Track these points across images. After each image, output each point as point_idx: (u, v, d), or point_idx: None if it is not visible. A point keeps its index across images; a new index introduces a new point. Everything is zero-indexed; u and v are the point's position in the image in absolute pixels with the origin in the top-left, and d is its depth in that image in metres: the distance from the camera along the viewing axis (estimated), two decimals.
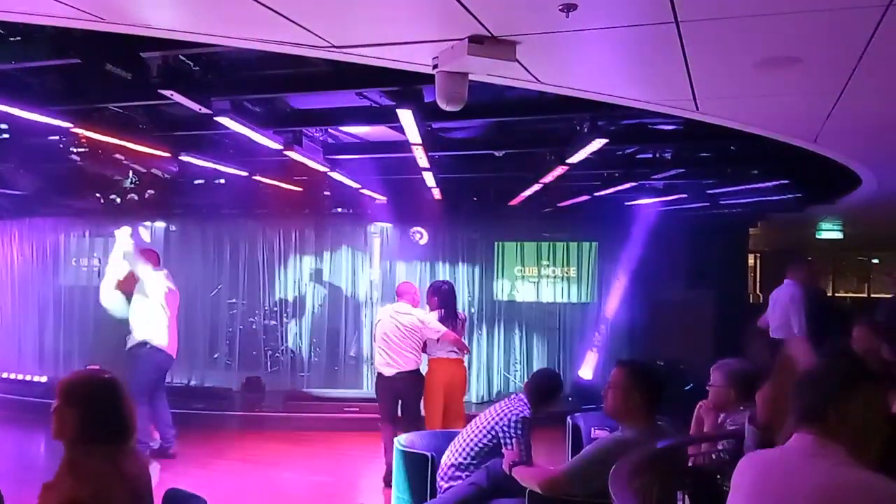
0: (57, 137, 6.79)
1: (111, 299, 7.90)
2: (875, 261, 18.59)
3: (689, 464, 3.89)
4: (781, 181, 8.29)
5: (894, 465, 2.18)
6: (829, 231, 13.50)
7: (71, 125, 5.96)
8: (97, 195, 9.38)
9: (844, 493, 2.08)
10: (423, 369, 7.31)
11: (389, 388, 7.16)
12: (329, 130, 7.37)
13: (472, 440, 4.91)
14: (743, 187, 8.77)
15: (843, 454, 2.14)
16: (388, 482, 6.72)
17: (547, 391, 5.04)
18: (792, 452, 2.25)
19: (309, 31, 3.37)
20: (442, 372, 7.33)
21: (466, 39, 3.25)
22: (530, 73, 3.93)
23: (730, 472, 2.45)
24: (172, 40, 3.83)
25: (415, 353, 7.15)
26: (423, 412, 7.32)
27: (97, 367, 3.32)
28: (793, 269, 8.38)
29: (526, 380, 5.37)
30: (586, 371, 10.58)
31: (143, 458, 3.10)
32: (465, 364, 7.91)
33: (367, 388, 10.33)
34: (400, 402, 7.15)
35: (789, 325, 8.04)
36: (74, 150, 6.76)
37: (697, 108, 4.64)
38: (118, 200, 9.37)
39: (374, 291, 11.08)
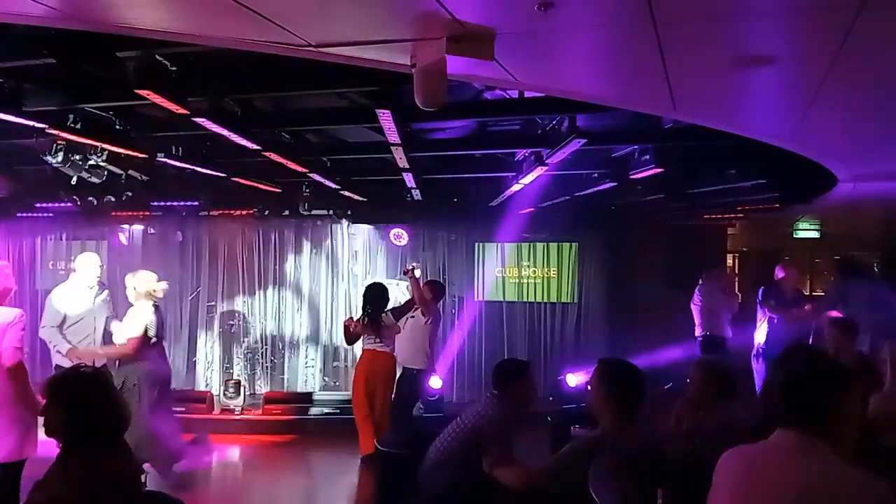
0: (32, 139, 6.71)
1: None
2: None
3: (669, 461, 3.91)
4: (759, 181, 8.33)
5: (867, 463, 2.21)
6: (807, 230, 13.59)
7: (46, 126, 5.89)
8: (74, 197, 9.27)
9: (835, 491, 2.11)
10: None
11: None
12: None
13: (452, 440, 4.91)
14: (721, 187, 8.80)
15: (829, 452, 2.18)
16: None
17: (508, 375, 4.85)
18: (777, 449, 2.27)
19: (287, 30, 3.36)
20: (366, 362, 7.74)
21: (444, 38, 3.25)
22: (508, 73, 3.93)
23: (709, 468, 2.46)
24: (149, 40, 3.79)
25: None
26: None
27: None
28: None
29: None
30: (573, 379, 10.40)
31: (134, 456, 3.10)
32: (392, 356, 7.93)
33: (346, 390, 10.33)
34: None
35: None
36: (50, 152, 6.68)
37: (675, 108, 4.66)
38: (95, 203, 9.28)
39: (354, 292, 11.04)
